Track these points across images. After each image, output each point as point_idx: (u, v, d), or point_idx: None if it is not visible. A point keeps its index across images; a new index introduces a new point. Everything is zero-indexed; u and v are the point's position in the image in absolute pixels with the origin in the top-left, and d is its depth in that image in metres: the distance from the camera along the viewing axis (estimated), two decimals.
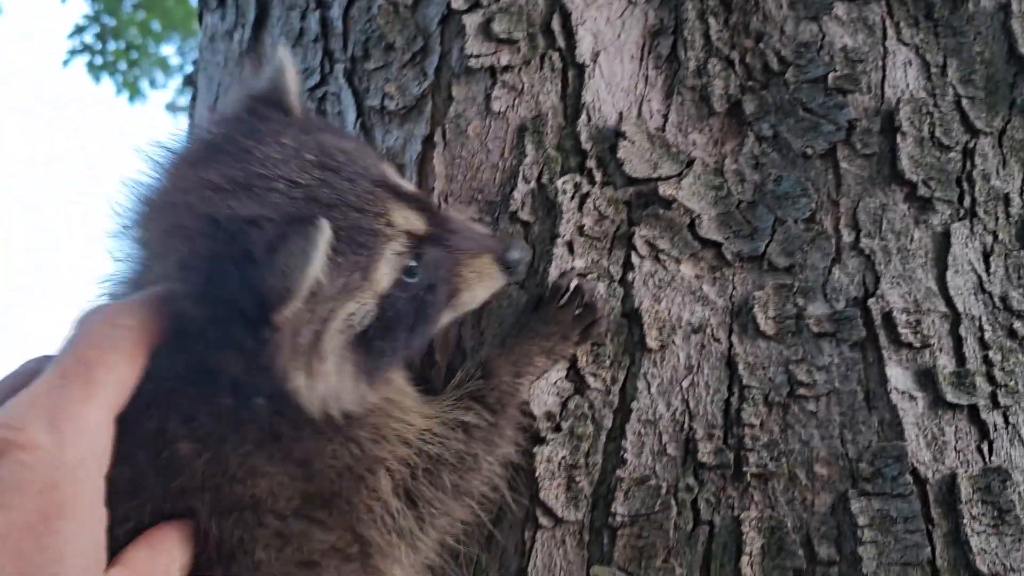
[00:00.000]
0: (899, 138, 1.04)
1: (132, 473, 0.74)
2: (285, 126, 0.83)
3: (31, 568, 0.60)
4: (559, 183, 1.01)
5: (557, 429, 0.94)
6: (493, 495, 0.92)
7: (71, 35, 6.94)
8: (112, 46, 6.96)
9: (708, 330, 0.98)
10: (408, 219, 0.82)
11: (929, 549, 0.88)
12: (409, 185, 0.90)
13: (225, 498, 0.77)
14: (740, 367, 0.96)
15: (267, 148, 0.79)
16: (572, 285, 0.94)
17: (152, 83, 7.44)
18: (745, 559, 0.88)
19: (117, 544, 0.70)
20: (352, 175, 0.80)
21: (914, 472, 0.91)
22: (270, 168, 0.77)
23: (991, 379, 0.96)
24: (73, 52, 6.89)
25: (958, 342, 0.97)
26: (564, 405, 0.95)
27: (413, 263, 0.83)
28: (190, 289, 0.73)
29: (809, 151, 1.04)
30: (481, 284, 0.90)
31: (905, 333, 0.96)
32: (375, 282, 0.79)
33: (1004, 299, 1.00)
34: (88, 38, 6.88)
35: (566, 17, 1.08)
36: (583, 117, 1.04)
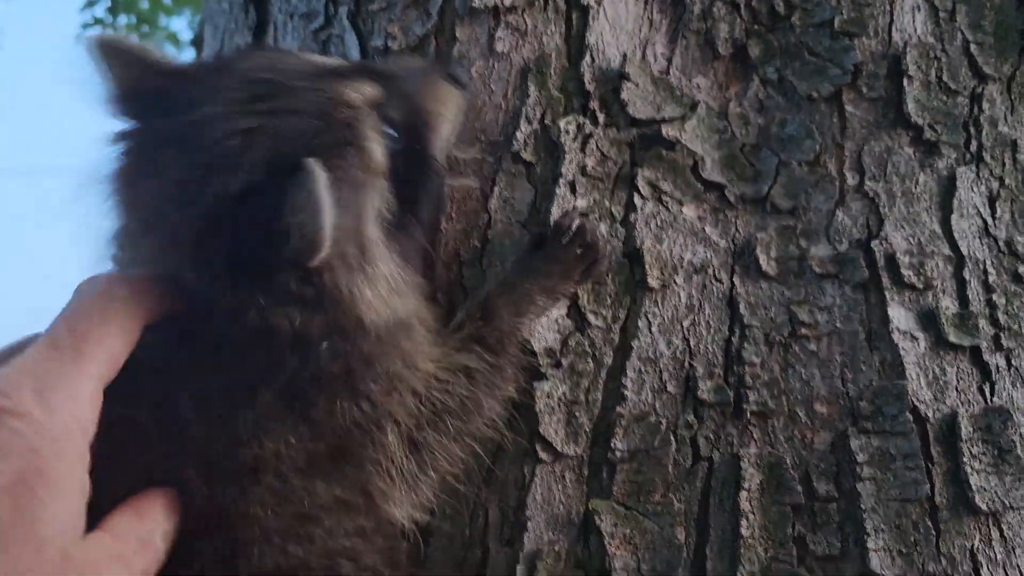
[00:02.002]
0: (905, 82, 1.03)
1: (126, 441, 0.73)
2: (183, 88, 0.78)
3: (3, 526, 0.61)
4: (562, 124, 1.00)
5: (557, 366, 0.94)
6: (493, 434, 0.92)
7: (83, 8, 6.95)
8: (123, 20, 6.96)
9: (710, 270, 0.98)
10: (361, 91, 0.80)
11: (928, 486, 0.88)
12: (335, 59, 0.89)
13: (223, 462, 0.75)
14: (741, 307, 0.96)
15: (190, 114, 0.74)
16: (575, 225, 0.94)
17: None
18: (744, 494, 0.89)
19: (103, 511, 0.70)
20: (288, 88, 0.76)
21: (914, 411, 0.91)
22: (216, 127, 0.73)
23: (994, 321, 0.96)
24: (85, 26, 6.90)
25: (961, 284, 0.97)
26: (564, 342, 0.95)
27: (389, 129, 0.82)
28: (193, 267, 0.73)
29: (814, 95, 1.03)
30: (447, 107, 0.90)
31: (908, 274, 0.96)
32: (376, 165, 0.79)
33: (1009, 244, 1.00)
34: (100, 12, 6.88)
35: None
36: (587, 58, 1.04)
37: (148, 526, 0.71)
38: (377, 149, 0.79)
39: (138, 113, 0.79)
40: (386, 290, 0.79)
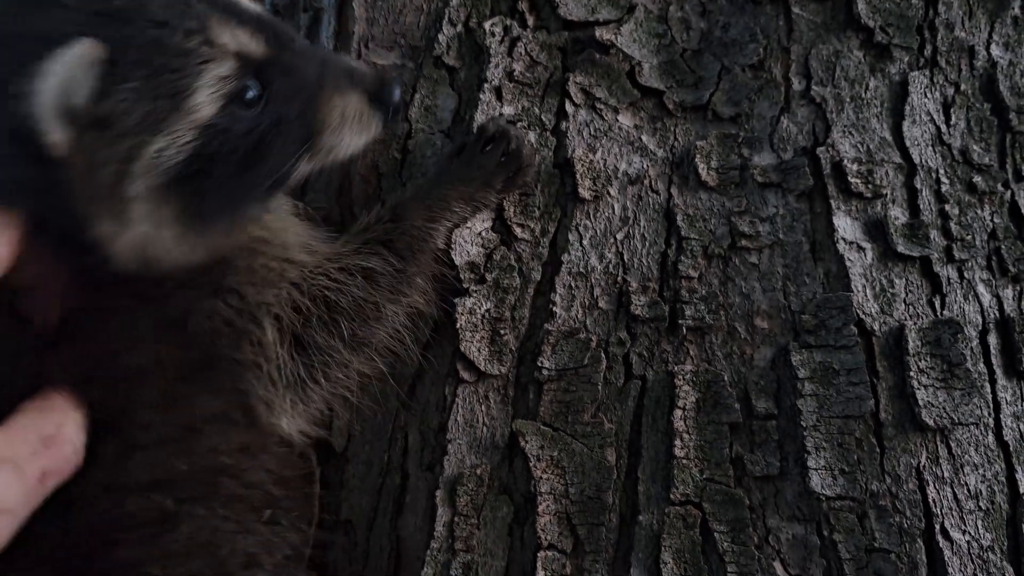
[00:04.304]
0: None
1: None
2: None
3: None
4: (487, 26, 0.94)
5: (481, 281, 0.88)
6: (399, 349, 0.86)
7: None
8: None
9: (646, 181, 0.92)
10: (238, 39, 0.72)
11: (872, 402, 0.83)
12: (253, 6, 0.79)
13: (105, 372, 0.73)
14: (679, 219, 0.90)
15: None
16: (497, 130, 0.88)
17: None
18: (678, 413, 0.83)
19: None
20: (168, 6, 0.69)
21: (859, 324, 0.85)
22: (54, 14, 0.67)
23: (946, 232, 0.90)
24: None
25: (912, 194, 0.91)
26: (489, 256, 0.89)
27: (252, 92, 0.73)
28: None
29: None
30: (348, 127, 0.79)
31: (856, 183, 0.90)
32: (191, 111, 0.70)
33: (964, 152, 0.94)
34: None
35: None
36: None
37: (55, 419, 0.67)
38: (206, 99, 0.70)
39: None
40: (137, 239, 0.71)
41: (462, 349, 0.85)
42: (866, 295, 0.87)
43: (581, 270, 0.88)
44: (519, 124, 0.92)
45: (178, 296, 0.75)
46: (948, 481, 0.81)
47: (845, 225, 0.89)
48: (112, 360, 0.73)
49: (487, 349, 0.86)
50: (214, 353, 0.77)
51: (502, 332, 0.87)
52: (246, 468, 0.76)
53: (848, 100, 0.94)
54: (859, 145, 0.92)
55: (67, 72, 0.63)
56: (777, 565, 0.79)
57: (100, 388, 0.72)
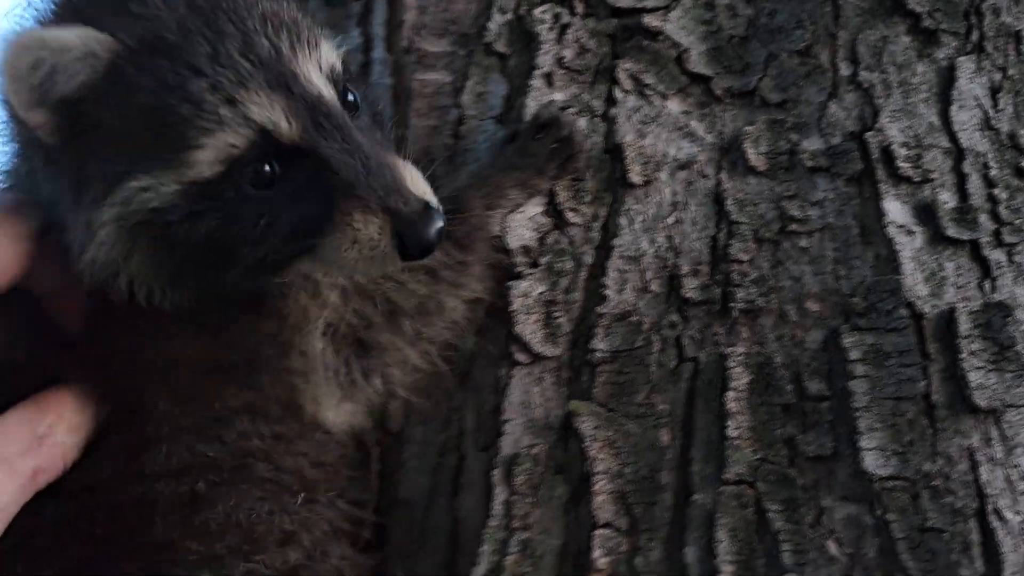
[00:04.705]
0: None
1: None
2: None
3: None
4: (537, 13, 0.95)
5: (534, 265, 0.89)
6: (454, 339, 0.87)
7: None
8: None
9: (695, 166, 0.93)
10: (270, 115, 0.66)
11: (924, 384, 0.84)
12: (320, 86, 0.70)
13: (125, 368, 0.73)
14: (729, 203, 0.91)
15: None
16: (550, 117, 0.89)
17: None
18: (731, 395, 0.84)
19: None
20: (228, 33, 0.66)
21: (910, 307, 0.86)
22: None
23: (995, 216, 0.91)
24: None
25: (961, 178, 0.92)
26: (542, 240, 0.90)
27: (267, 169, 0.67)
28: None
29: None
30: (356, 251, 0.69)
31: (904, 167, 0.91)
32: (186, 164, 0.65)
33: (1012, 137, 0.95)
34: None
35: None
36: None
37: (48, 419, 0.68)
38: (206, 161, 0.66)
39: None
40: (97, 260, 0.69)
41: (517, 331, 0.86)
42: (916, 278, 0.87)
43: (632, 254, 0.90)
44: (569, 110, 0.93)
45: (213, 309, 0.75)
46: (1000, 462, 0.82)
47: (894, 209, 0.89)
48: (133, 356, 0.74)
49: (541, 331, 0.87)
50: (256, 358, 0.77)
51: (556, 315, 0.88)
52: (280, 453, 0.77)
53: (896, 85, 0.94)
54: (907, 130, 0.93)
55: (59, 55, 0.62)
56: (831, 544, 0.80)
57: (119, 383, 0.73)
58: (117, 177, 0.66)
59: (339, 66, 0.75)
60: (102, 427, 0.72)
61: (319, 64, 0.72)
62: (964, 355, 0.84)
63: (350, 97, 0.75)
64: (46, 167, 0.71)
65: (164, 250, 0.69)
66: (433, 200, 0.70)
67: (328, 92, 0.71)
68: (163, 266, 0.70)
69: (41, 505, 0.69)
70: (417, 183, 0.71)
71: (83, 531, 0.70)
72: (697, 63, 0.95)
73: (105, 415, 0.72)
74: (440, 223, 0.69)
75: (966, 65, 0.96)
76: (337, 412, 0.82)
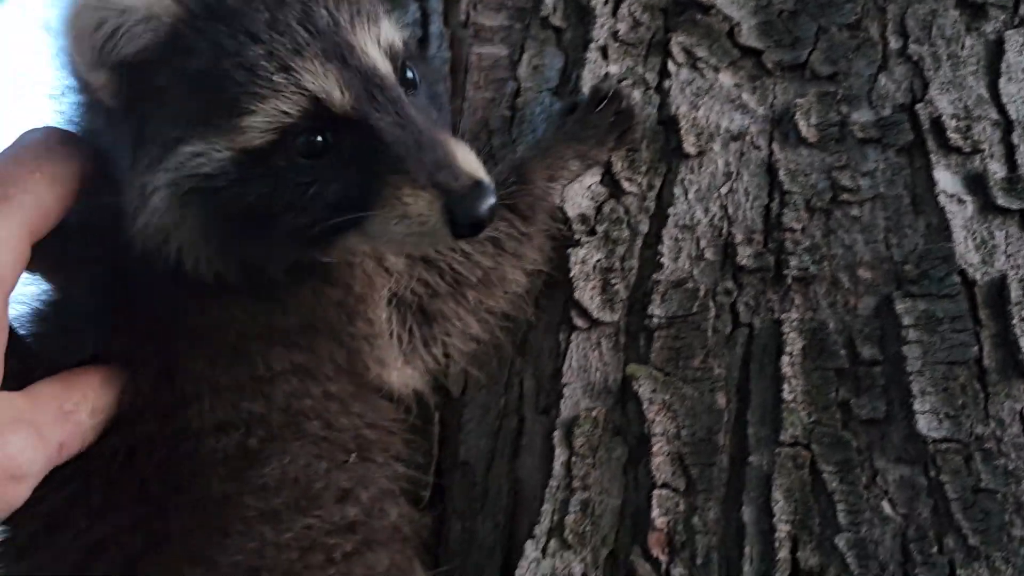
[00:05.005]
0: None
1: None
2: None
3: None
4: None
5: (592, 233, 0.91)
6: (512, 310, 0.89)
7: None
8: None
9: (748, 138, 0.94)
10: (324, 84, 0.66)
11: (976, 349, 0.85)
12: (376, 59, 0.70)
13: (169, 327, 0.74)
14: (781, 173, 0.92)
15: None
16: (611, 90, 0.91)
17: None
18: (786, 359, 0.86)
19: None
20: (288, 1, 0.67)
21: (962, 274, 0.87)
22: None
23: None
24: None
25: (1010, 149, 0.93)
26: (599, 209, 0.92)
27: (318, 140, 0.67)
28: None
29: None
30: (403, 226, 0.68)
31: (955, 138, 0.92)
32: (238, 130, 0.66)
33: None
34: None
35: None
36: None
37: (74, 397, 0.69)
38: (259, 127, 0.67)
39: None
40: (151, 224, 0.69)
41: (576, 297, 0.88)
42: (967, 246, 0.89)
43: (687, 223, 0.91)
44: (624, 83, 0.95)
45: (272, 276, 0.76)
46: None
47: (945, 179, 0.91)
48: (175, 320, 0.75)
49: (599, 297, 0.89)
50: (316, 322, 0.78)
51: (613, 281, 0.90)
52: (333, 413, 0.78)
53: (945, 58, 0.96)
54: (957, 102, 0.94)
55: (122, 16, 0.63)
56: (885, 504, 0.82)
57: (159, 346, 0.74)
58: (172, 143, 0.67)
59: (399, 43, 0.75)
60: (138, 391, 0.73)
61: (377, 38, 0.72)
62: (1016, 321, 0.86)
63: (408, 74, 0.75)
64: (107, 129, 0.72)
65: (214, 219, 0.69)
66: (485, 177, 0.70)
67: (384, 66, 0.71)
68: (212, 235, 0.70)
69: (83, 469, 0.70)
70: (469, 160, 0.70)
71: (135, 490, 0.71)
72: (748, 37, 0.96)
73: (135, 388, 0.73)
74: (492, 199, 0.68)
75: (1014, 38, 0.97)
76: (400, 374, 0.84)
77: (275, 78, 0.65)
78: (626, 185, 0.92)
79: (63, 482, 0.69)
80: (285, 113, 0.66)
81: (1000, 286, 0.87)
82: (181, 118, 0.67)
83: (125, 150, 0.70)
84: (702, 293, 0.89)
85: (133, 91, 0.68)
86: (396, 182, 0.68)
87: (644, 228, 0.92)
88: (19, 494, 0.64)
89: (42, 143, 0.70)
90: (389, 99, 0.69)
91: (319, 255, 0.76)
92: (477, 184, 0.68)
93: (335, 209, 0.68)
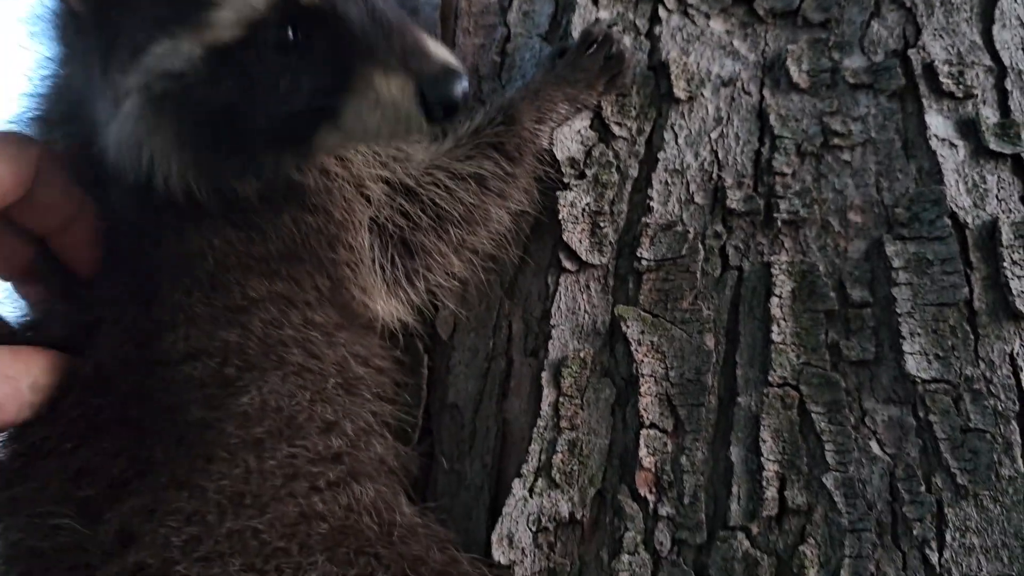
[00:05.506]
0: None
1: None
2: None
3: None
4: None
5: (581, 176, 0.91)
6: (501, 253, 0.89)
7: None
8: None
9: (738, 83, 0.94)
10: None
11: (966, 291, 0.85)
12: None
13: (142, 257, 0.74)
14: (771, 118, 0.92)
15: None
16: (602, 34, 0.91)
17: None
18: (775, 300, 0.86)
19: None
20: None
21: (953, 217, 0.87)
22: None
23: None
24: None
25: (1003, 95, 0.93)
26: (588, 153, 0.92)
27: (288, 35, 0.66)
28: None
29: None
30: (378, 113, 0.68)
31: (947, 83, 0.92)
32: (206, 25, 0.64)
33: None
34: None
35: None
36: None
37: (18, 368, 0.70)
38: (227, 20, 0.65)
39: None
40: (120, 135, 0.68)
41: (564, 239, 0.88)
42: (959, 190, 0.88)
43: (677, 167, 0.91)
44: (615, 28, 0.94)
45: (249, 203, 0.75)
46: None
47: (937, 123, 0.90)
48: (149, 251, 0.75)
49: (588, 240, 0.89)
50: (297, 250, 0.78)
51: (602, 225, 0.90)
52: (316, 343, 0.78)
53: (938, 4, 0.95)
54: (949, 48, 0.94)
55: None
56: (873, 444, 0.82)
57: (132, 274, 0.75)
58: (142, 44, 0.66)
59: None
60: (116, 318, 0.74)
61: None
62: (1006, 263, 0.85)
63: None
64: (78, 42, 0.71)
65: (187, 123, 0.68)
66: (457, 64, 0.69)
67: None
68: (186, 142, 0.69)
69: (63, 402, 0.71)
70: (440, 49, 0.70)
71: (116, 415, 0.72)
72: None
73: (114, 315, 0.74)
74: (464, 83, 0.68)
75: None
76: (385, 305, 0.84)
77: None
78: (616, 129, 0.92)
79: (46, 411, 0.70)
80: (252, 7, 0.65)
81: (991, 229, 0.87)
82: (149, 20, 0.66)
83: (95, 60, 0.69)
84: (691, 236, 0.89)
85: None
86: (367, 69, 0.67)
87: (634, 172, 0.92)
88: None
89: None
90: None
91: (294, 161, 0.74)
92: (449, 68, 0.68)
93: (307, 102, 0.67)
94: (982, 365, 0.83)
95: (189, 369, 0.73)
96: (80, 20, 0.70)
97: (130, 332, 0.74)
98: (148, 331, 0.74)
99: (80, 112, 0.73)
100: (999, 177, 0.90)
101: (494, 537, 0.82)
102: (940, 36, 0.94)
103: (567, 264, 0.89)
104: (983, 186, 0.89)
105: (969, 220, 0.87)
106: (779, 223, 0.89)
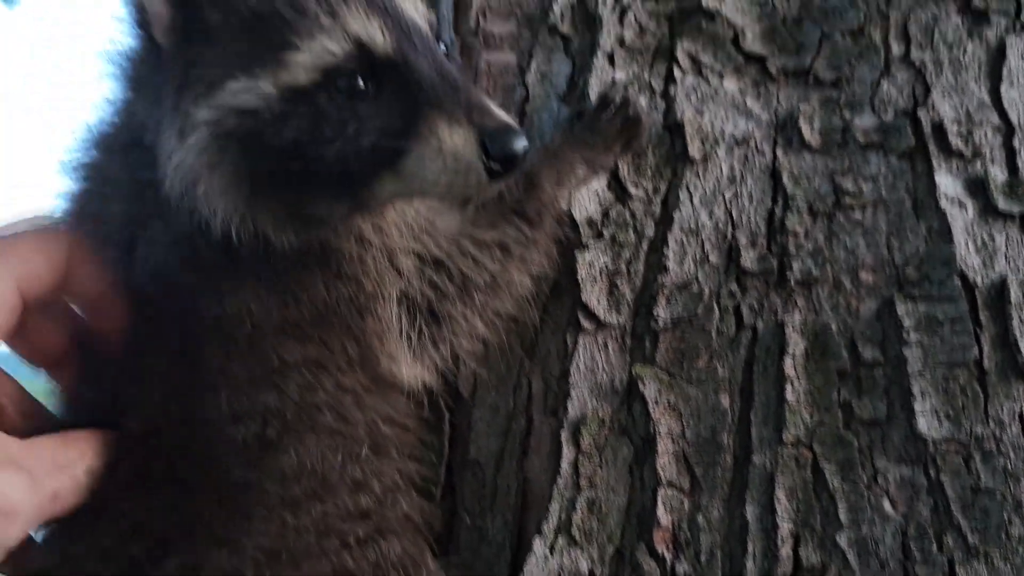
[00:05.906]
0: None
1: None
2: None
3: None
4: None
5: (599, 236, 0.93)
6: (519, 313, 0.91)
7: None
8: None
9: (752, 143, 0.96)
10: (367, 28, 0.70)
11: (976, 350, 0.87)
12: (415, 15, 0.76)
13: (188, 316, 0.76)
14: (784, 178, 0.94)
15: None
16: (619, 97, 0.93)
17: None
18: (788, 360, 0.88)
19: None
20: None
21: (962, 277, 0.89)
22: None
23: None
24: None
25: (1011, 153, 0.94)
26: (606, 213, 0.94)
27: (360, 84, 0.70)
28: None
29: None
30: (439, 163, 0.70)
31: (956, 142, 0.94)
32: (283, 67, 0.68)
33: None
34: None
35: None
36: None
37: (71, 455, 0.71)
38: (304, 66, 0.70)
39: None
40: (182, 168, 0.70)
41: (583, 299, 0.90)
42: (968, 249, 0.90)
43: (692, 227, 0.93)
44: (631, 89, 0.96)
45: (286, 265, 0.77)
46: None
47: (946, 183, 0.92)
48: (190, 313, 0.76)
49: (606, 300, 0.91)
50: (328, 316, 0.80)
51: (619, 284, 0.92)
52: (347, 406, 0.80)
53: (946, 64, 0.97)
54: (958, 107, 0.95)
55: None
56: (886, 503, 0.84)
57: (174, 336, 0.76)
58: (219, 79, 0.69)
59: (433, 20, 0.80)
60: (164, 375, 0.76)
61: (415, 5, 0.77)
62: (1016, 323, 0.87)
63: (440, 43, 0.80)
64: (155, 72, 0.73)
65: (249, 160, 0.70)
66: (516, 124, 0.73)
67: (423, 23, 0.76)
68: (244, 180, 0.71)
69: (118, 452, 0.73)
70: (500, 109, 0.73)
71: (159, 476, 0.74)
72: (752, 43, 0.98)
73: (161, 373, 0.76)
74: (524, 142, 0.70)
75: (1016, 43, 0.98)
76: (411, 370, 0.86)
77: (322, 19, 0.69)
78: (632, 189, 0.94)
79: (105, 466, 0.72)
80: (330, 52, 0.68)
81: (1000, 288, 0.89)
82: (230, 57, 0.69)
83: (169, 92, 0.71)
84: (706, 296, 0.91)
85: (186, 27, 0.70)
86: (433, 117, 0.70)
87: (650, 232, 0.94)
88: (10, 533, 0.66)
89: (27, 224, 0.75)
90: (427, 47, 0.74)
91: (349, 211, 0.76)
92: (511, 126, 0.72)
93: (373, 143, 0.70)
94: (992, 424, 0.85)
95: (232, 431, 0.75)
96: (161, 52, 0.72)
97: (176, 392, 0.76)
98: (192, 392, 0.76)
99: (142, 142, 0.75)
100: (1007, 236, 0.92)
101: None
102: (949, 95, 0.96)
103: (585, 323, 0.91)
104: (992, 245, 0.91)
105: (978, 280, 0.89)
106: (792, 283, 0.91)
